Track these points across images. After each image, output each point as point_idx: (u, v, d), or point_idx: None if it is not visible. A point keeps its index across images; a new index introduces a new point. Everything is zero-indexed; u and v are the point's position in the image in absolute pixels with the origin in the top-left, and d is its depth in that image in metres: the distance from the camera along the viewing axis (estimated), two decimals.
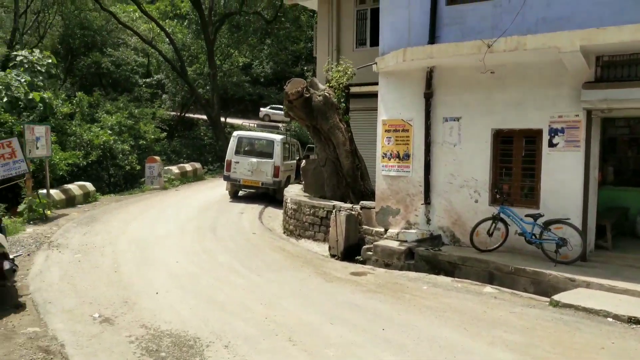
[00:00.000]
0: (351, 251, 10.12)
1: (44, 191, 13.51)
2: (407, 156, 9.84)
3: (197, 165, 22.63)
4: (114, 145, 18.98)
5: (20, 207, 12.30)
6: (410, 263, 9.02)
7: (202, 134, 36.60)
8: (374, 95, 14.79)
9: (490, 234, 8.63)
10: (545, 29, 7.93)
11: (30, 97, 15.18)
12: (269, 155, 16.45)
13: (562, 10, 7.90)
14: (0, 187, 12.54)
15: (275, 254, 9.94)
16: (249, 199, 17.26)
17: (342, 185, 12.06)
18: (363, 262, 9.67)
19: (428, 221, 9.64)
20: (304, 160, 15.46)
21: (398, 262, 9.09)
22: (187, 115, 38.19)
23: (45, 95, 16.87)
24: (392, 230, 9.86)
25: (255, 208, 15.62)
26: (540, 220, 8.17)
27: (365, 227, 10.42)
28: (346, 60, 12.92)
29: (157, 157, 19.03)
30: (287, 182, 17.15)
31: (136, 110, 22.83)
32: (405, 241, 9.44)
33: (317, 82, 12.80)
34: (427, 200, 9.59)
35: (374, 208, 10.33)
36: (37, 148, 12.81)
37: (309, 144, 27.13)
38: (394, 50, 9.45)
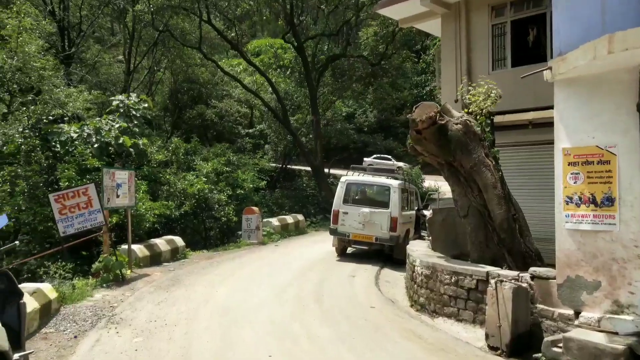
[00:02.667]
0: (522, 342, 6.81)
1: (126, 246, 11.69)
2: (609, 201, 6.49)
3: (300, 217, 20.28)
4: (209, 194, 17.20)
5: (94, 267, 10.42)
6: None
7: (304, 184, 34.98)
8: (524, 126, 11.73)
9: None
10: None
11: (121, 141, 13.81)
12: (384, 205, 13.57)
13: None
14: (74, 243, 10.86)
15: (406, 343, 6.89)
16: (360, 257, 14.38)
17: (493, 243, 8.80)
18: None
19: None
20: (430, 210, 12.43)
21: None
22: (288, 166, 36.96)
23: (139, 142, 15.58)
24: (589, 315, 6.44)
25: (369, 270, 12.67)
26: None
27: (540, 306, 7.07)
28: (488, 81, 9.94)
29: (255, 208, 16.94)
30: (406, 237, 14.09)
31: (234, 157, 21.25)
32: (617, 333, 6.03)
33: (450, 108, 9.89)
34: None
35: (553, 278, 6.98)
36: (118, 196, 11.05)
37: (431, 191, 24.10)
38: (580, 46, 6.38)
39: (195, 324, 7.49)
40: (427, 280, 9.01)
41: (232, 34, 30.11)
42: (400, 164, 43.43)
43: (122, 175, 11.24)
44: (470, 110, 9.70)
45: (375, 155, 43.75)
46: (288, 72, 35.50)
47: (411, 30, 34.26)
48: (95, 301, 8.76)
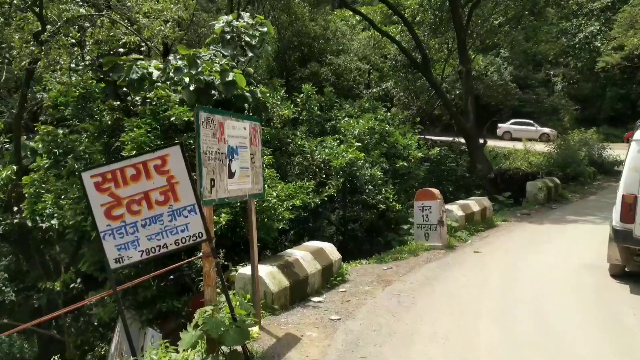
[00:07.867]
0: None
1: (247, 271, 5.90)
2: None
3: (486, 202, 13.45)
4: (360, 169, 11.05)
5: (185, 341, 4.55)
6: None
7: (439, 156, 28.21)
8: None
9: None
10: None
11: (230, 78, 8.00)
12: None
13: None
14: (138, 281, 5.19)
15: None
16: None
17: None
18: None
19: None
20: None
21: None
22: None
23: (256, 90, 9.78)
24: None
25: None
26: None
27: None
28: None
29: (436, 191, 10.63)
30: None
31: (388, 114, 14.89)
32: None
33: None
34: None
35: None
36: (233, 174, 5.16)
37: None
38: None
39: None
40: None
41: None
42: (546, 129, 35.33)
43: (240, 130, 5.30)
44: None
45: (513, 120, 36.01)
46: (418, 18, 28.72)
47: None
48: None
